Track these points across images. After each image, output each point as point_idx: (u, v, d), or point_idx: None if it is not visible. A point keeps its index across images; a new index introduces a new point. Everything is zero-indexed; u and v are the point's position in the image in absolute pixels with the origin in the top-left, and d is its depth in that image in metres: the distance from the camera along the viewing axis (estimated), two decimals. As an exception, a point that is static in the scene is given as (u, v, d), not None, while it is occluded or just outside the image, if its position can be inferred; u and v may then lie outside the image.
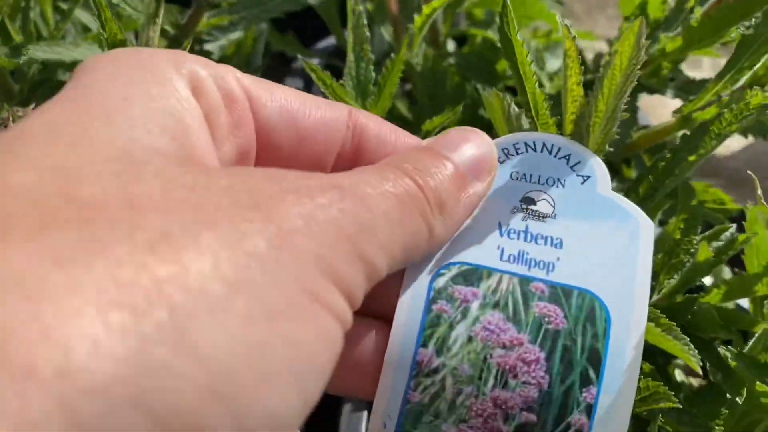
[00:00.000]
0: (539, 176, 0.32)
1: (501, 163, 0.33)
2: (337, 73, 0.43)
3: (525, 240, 0.31)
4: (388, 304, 0.31)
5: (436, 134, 0.45)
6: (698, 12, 0.45)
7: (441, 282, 0.30)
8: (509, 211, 0.32)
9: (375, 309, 0.31)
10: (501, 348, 0.29)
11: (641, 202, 0.31)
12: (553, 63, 0.58)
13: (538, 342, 0.29)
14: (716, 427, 0.32)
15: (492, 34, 0.56)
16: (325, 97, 0.41)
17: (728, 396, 0.35)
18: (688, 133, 0.37)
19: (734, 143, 0.83)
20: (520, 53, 0.34)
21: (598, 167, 0.32)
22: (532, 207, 0.32)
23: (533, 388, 0.29)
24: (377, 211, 0.25)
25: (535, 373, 0.29)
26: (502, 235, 0.31)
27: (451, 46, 0.61)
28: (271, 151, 0.31)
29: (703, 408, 0.34)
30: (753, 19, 0.41)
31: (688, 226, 0.37)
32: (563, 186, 0.32)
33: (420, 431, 0.29)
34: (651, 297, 0.36)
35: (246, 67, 0.57)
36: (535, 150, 0.33)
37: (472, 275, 0.30)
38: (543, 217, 0.31)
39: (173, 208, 0.20)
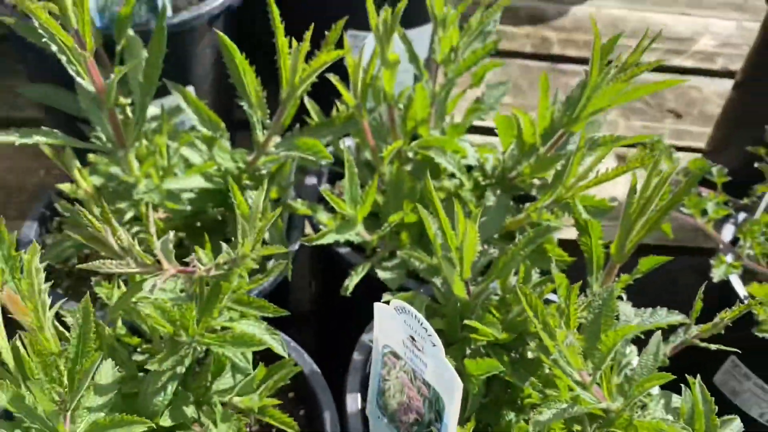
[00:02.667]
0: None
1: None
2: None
3: (413, 352, 0.60)
4: None
5: (397, 224, 0.80)
6: (542, 149, 0.79)
7: (384, 356, 0.63)
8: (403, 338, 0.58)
9: None
10: (408, 389, 0.63)
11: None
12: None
13: (420, 394, 0.62)
14: (532, 379, 0.66)
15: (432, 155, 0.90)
16: (331, 210, 0.77)
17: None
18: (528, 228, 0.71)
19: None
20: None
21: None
22: (414, 343, 0.57)
23: (420, 408, 0.63)
24: None
25: (419, 404, 0.62)
26: (404, 345, 0.61)
27: (411, 154, 0.95)
28: None
29: (525, 368, 0.68)
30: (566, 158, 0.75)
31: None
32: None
33: (383, 403, 0.64)
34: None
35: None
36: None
37: (395, 354, 0.62)
38: (420, 349, 0.57)
39: None
